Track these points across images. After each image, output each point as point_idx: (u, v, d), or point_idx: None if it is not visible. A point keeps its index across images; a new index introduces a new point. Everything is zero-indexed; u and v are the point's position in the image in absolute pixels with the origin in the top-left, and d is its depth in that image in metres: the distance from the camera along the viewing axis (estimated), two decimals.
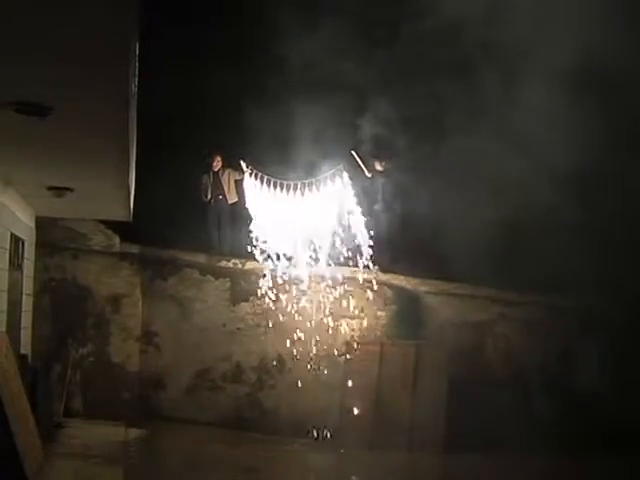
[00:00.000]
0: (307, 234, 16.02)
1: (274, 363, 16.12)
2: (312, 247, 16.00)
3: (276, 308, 16.10)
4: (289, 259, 16.10)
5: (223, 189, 17.01)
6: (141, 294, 16.33)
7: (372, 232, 16.27)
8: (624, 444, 14.39)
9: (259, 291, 16.17)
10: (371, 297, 16.35)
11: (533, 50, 15.13)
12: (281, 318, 16.05)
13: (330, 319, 16.19)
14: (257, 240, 16.06)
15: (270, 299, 16.10)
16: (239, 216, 16.67)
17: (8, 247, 12.34)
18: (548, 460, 14.24)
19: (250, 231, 16.14)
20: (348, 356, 15.75)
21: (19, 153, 9.50)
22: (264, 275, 16.09)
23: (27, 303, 14.38)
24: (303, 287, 16.15)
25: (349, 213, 16.04)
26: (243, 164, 16.43)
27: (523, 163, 14.85)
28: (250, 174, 16.30)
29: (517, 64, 15.19)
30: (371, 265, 16.18)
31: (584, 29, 14.21)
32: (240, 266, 16.45)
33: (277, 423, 15.76)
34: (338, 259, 16.01)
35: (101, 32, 5.47)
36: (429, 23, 15.05)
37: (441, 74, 15.36)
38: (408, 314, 16.43)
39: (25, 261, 14.05)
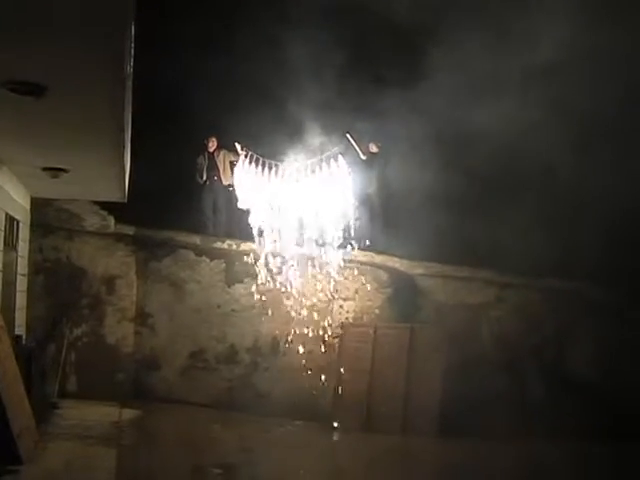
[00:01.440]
0: (303, 216, 16.01)
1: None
2: (307, 229, 15.99)
3: (271, 290, 16.10)
4: (284, 241, 16.09)
5: (218, 170, 17.01)
6: (136, 275, 16.32)
7: (367, 214, 16.27)
8: (620, 429, 14.43)
9: (254, 273, 16.17)
10: (366, 279, 16.37)
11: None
12: (275, 300, 16.06)
13: (324, 301, 16.20)
14: (252, 222, 16.06)
15: (265, 281, 16.10)
16: (234, 198, 16.62)
17: (3, 227, 12.33)
18: (542, 445, 14.28)
19: (245, 213, 16.13)
20: (342, 338, 15.75)
21: (14, 133, 9.47)
22: (259, 257, 16.09)
23: (21, 284, 14.37)
24: (298, 269, 16.14)
25: (344, 195, 16.02)
26: (238, 146, 16.40)
27: (522, 146, 14.84)
28: (245, 156, 16.27)
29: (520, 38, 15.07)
30: (366, 247, 16.19)
31: None
32: (235, 247, 16.44)
33: (271, 404, 15.77)
34: (333, 241, 16.00)
35: (97, 12, 5.44)
36: None
37: (439, 50, 15.26)
38: (403, 296, 16.45)
39: (20, 242, 14.03)
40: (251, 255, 16.16)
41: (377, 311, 16.40)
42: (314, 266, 16.23)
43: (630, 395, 14.88)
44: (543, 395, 15.61)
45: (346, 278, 16.27)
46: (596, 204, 15.08)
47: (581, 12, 14.05)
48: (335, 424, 15.05)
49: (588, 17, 14.05)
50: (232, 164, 16.83)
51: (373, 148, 16.92)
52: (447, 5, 15.36)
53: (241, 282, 16.35)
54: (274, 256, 16.12)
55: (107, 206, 16.08)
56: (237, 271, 16.40)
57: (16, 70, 6.79)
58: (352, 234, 15.98)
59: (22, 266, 14.39)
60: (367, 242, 16.22)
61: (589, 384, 15.43)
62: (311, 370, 15.91)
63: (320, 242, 16.04)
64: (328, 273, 16.18)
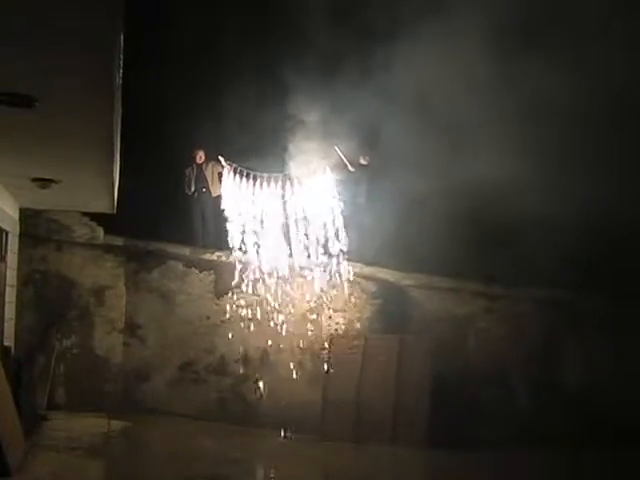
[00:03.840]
0: (291, 228, 16.05)
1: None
2: (296, 241, 16.02)
3: (260, 301, 16.11)
4: (273, 253, 16.11)
5: (207, 182, 17.03)
6: (125, 286, 16.31)
7: (356, 226, 16.29)
8: (607, 438, 14.47)
9: (243, 284, 16.17)
10: (355, 290, 16.39)
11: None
12: (265, 311, 16.06)
13: (314, 312, 16.21)
14: (241, 233, 16.08)
15: (254, 292, 16.11)
16: (223, 209, 16.63)
17: None
18: (531, 455, 14.31)
19: (233, 224, 16.15)
20: (332, 349, 15.76)
21: (2, 144, 9.47)
22: (248, 268, 16.10)
23: (10, 295, 14.36)
24: (287, 280, 16.16)
25: (333, 207, 16.06)
26: (222, 159, 16.44)
27: (509, 157, 14.89)
28: (229, 169, 16.30)
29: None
30: (355, 258, 16.21)
31: None
32: (224, 259, 16.45)
33: (261, 416, 15.77)
34: (322, 253, 16.02)
35: (87, 24, 5.47)
36: None
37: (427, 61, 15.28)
38: (392, 307, 16.46)
39: (9, 253, 14.03)
40: (240, 266, 16.16)
41: (366, 322, 16.41)
42: (303, 277, 16.25)
43: (619, 404, 14.92)
44: (531, 405, 15.66)
45: (335, 289, 16.27)
46: (584, 214, 15.13)
47: None
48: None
49: None
50: (221, 176, 16.84)
51: (362, 160, 16.95)
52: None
53: (230, 293, 16.34)
54: (263, 268, 16.12)
55: (96, 217, 16.07)
56: (226, 282, 16.39)
57: (5, 81, 6.81)
58: (341, 246, 16.00)
59: (11, 277, 14.39)
60: (356, 253, 16.21)
61: (577, 393, 15.48)
62: (300, 381, 15.91)
63: (309, 254, 16.06)
64: (317, 284, 16.19)
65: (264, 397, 15.90)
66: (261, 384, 16.01)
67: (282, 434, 15.18)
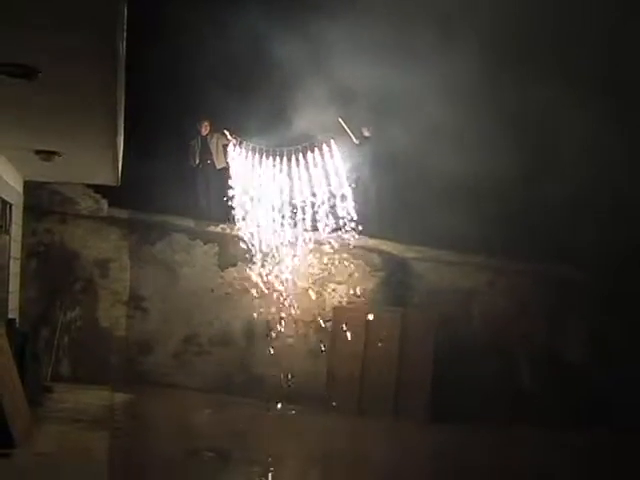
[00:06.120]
0: (295, 200, 16.01)
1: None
2: (300, 213, 15.99)
3: (264, 273, 16.11)
4: (277, 225, 16.09)
5: (212, 154, 16.99)
6: (129, 258, 16.32)
7: (360, 198, 16.25)
8: (609, 415, 14.48)
9: (247, 256, 16.16)
10: (359, 263, 16.37)
11: None
12: (269, 283, 16.06)
13: (317, 285, 16.22)
14: (245, 206, 16.06)
15: (258, 264, 16.11)
16: (227, 181, 16.61)
17: None
18: (531, 429, 14.33)
19: (238, 196, 16.12)
20: (335, 322, 15.77)
21: (6, 116, 9.43)
22: (252, 240, 16.09)
23: (15, 267, 14.35)
24: (291, 253, 16.15)
25: (337, 179, 16.02)
26: (227, 133, 16.40)
27: (513, 130, 14.84)
28: (235, 142, 16.26)
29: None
30: (359, 231, 16.17)
31: None
32: (229, 231, 16.44)
33: (264, 388, 15.81)
34: (326, 225, 16.00)
35: None
36: None
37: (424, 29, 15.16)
38: (395, 280, 16.47)
39: (13, 225, 14.01)
40: (244, 239, 16.15)
41: (370, 295, 16.41)
42: (307, 250, 16.23)
43: (620, 379, 14.93)
44: (533, 379, 15.68)
45: (339, 262, 16.27)
46: (586, 191, 15.11)
47: None
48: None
49: None
50: (225, 148, 16.80)
51: (365, 132, 16.88)
52: None
53: (235, 266, 16.35)
54: (267, 240, 16.11)
55: (101, 189, 16.06)
56: (231, 255, 16.40)
57: (8, 52, 6.76)
58: (345, 218, 15.97)
59: (15, 249, 14.37)
60: (360, 226, 16.18)
61: (581, 370, 15.48)
62: (304, 354, 15.94)
63: (313, 226, 16.04)
64: (321, 257, 16.18)
65: (268, 369, 15.91)
66: (265, 356, 16.04)
67: (285, 406, 15.22)
